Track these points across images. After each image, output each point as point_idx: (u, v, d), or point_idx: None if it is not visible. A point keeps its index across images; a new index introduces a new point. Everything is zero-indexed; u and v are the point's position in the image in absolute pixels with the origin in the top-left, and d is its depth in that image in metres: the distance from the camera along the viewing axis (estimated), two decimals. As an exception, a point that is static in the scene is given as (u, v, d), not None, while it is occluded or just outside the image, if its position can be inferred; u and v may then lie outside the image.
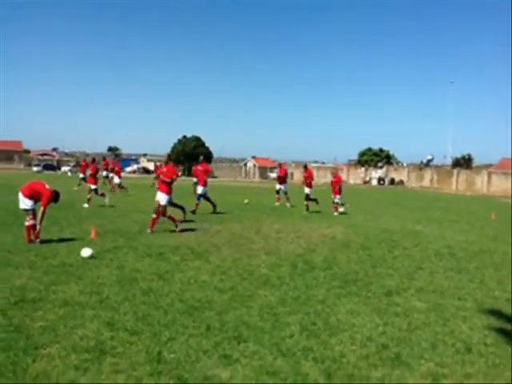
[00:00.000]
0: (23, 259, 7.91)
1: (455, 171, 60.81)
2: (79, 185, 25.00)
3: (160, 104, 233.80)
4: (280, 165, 23.66)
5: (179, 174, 12.54)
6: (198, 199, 16.46)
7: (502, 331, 5.32)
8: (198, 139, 76.64)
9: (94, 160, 19.98)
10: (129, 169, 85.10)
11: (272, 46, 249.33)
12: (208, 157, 77.53)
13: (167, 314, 5.45)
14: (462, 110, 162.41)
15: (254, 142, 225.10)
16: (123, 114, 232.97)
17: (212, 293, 6.38)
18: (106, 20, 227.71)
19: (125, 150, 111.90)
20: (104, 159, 31.68)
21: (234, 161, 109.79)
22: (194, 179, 18.80)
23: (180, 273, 7.47)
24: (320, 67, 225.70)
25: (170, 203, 12.33)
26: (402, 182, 65.48)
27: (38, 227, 9.42)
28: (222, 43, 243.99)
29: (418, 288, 7.10)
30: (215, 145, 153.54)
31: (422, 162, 75.41)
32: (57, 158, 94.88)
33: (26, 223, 9.44)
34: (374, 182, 66.17)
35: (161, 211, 11.60)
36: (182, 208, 13.53)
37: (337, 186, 18.01)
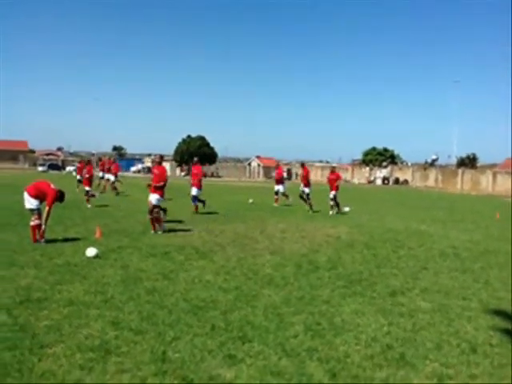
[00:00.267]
0: (29, 259, 7.95)
1: (460, 171, 60.64)
2: (78, 187, 25.00)
3: (165, 103, 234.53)
4: (278, 165, 23.59)
5: (167, 178, 12.14)
6: (194, 201, 16.41)
7: (507, 332, 5.30)
8: (202, 139, 76.62)
9: (89, 162, 19.88)
10: (133, 168, 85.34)
11: (276, 44, 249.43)
12: (212, 156, 77.66)
13: (172, 313, 5.46)
14: (466, 109, 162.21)
15: (258, 141, 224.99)
16: (128, 114, 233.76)
17: (216, 292, 6.39)
18: (110, 18, 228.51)
19: (129, 149, 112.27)
20: (100, 159, 31.51)
21: (238, 160, 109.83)
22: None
23: (184, 272, 7.48)
24: (324, 66, 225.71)
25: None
26: (406, 181, 65.33)
27: (43, 227, 9.46)
28: (227, 42, 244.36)
29: (423, 288, 7.08)
30: (220, 144, 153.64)
31: (426, 162, 75.27)
32: (62, 157, 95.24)
33: (32, 223, 9.48)
34: (379, 182, 66.06)
35: (150, 209, 11.45)
36: (163, 210, 13.25)
37: (334, 183, 17.90)
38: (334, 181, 17.98)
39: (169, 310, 5.58)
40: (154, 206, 11.47)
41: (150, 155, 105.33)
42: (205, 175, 17.07)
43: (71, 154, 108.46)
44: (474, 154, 75.41)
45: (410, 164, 76.89)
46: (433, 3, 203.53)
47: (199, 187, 16.43)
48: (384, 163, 72.81)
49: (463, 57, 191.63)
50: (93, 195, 18.19)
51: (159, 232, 11.37)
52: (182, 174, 75.39)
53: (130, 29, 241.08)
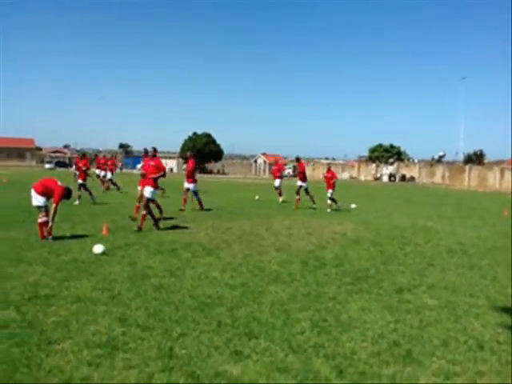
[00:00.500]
0: (36, 256, 8.00)
1: (467, 167, 60.28)
2: (75, 180, 24.83)
3: (171, 101, 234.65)
4: (277, 161, 23.58)
5: (165, 169, 12.13)
6: (196, 196, 16.23)
7: (515, 329, 5.27)
8: (208, 136, 76.66)
9: (84, 155, 19.51)
10: (139, 166, 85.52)
11: (281, 42, 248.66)
12: (218, 153, 77.68)
13: (178, 310, 5.48)
14: (473, 105, 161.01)
15: (265, 138, 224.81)
16: (134, 112, 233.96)
17: (223, 289, 6.40)
18: (117, 17, 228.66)
19: (135, 147, 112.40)
20: (96, 156, 31.05)
21: (245, 158, 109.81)
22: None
23: (191, 269, 7.50)
24: (330, 63, 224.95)
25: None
26: (413, 178, 65.05)
27: (50, 224, 9.51)
28: (234, 41, 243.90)
29: (430, 285, 7.06)
30: (226, 142, 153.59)
31: (433, 159, 74.88)
32: (68, 155, 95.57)
33: (39, 220, 9.54)
34: (385, 179, 65.84)
35: (144, 203, 11.31)
36: (158, 208, 13.03)
37: (330, 181, 17.86)
38: (330, 179, 17.92)
39: (175, 306, 5.60)
40: (148, 200, 11.30)
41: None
42: (195, 169, 16.59)
43: (78, 152, 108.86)
44: (481, 151, 74.95)
45: (416, 161, 76.46)
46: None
47: (194, 182, 16.17)
48: (390, 160, 72.51)
49: (470, 53, 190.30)
50: (87, 190, 17.52)
51: (137, 228, 11.00)
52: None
53: (135, 27, 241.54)
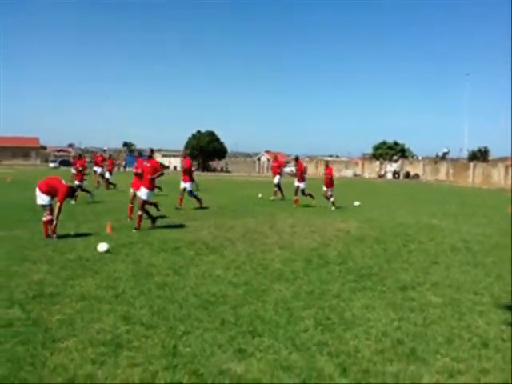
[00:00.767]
0: (41, 254, 8.04)
1: (471, 164, 60.06)
2: (72, 180, 24.66)
3: (174, 99, 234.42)
4: (276, 157, 23.29)
5: (162, 169, 12.02)
6: (194, 196, 16.07)
7: (519, 326, 5.26)
8: (212, 134, 76.70)
9: (80, 156, 19.45)
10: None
11: (283, 39, 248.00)
12: (222, 151, 77.70)
13: (182, 308, 5.49)
14: (477, 102, 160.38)
15: (268, 136, 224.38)
16: (138, 110, 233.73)
17: (226, 287, 6.41)
18: (120, 15, 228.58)
19: (139, 145, 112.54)
20: (94, 154, 30.82)
21: (248, 155, 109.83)
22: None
23: (195, 267, 7.52)
24: (333, 60, 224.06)
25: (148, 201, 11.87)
26: (417, 175, 64.88)
27: (54, 222, 9.55)
28: (234, 38, 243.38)
29: (434, 282, 7.04)
30: (229, 140, 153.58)
31: (437, 156, 74.62)
32: (73, 154, 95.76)
33: (44, 218, 9.58)
34: (389, 176, 65.68)
35: (140, 204, 11.18)
36: (155, 205, 12.95)
37: (327, 178, 17.72)
38: (329, 175, 17.77)
39: (179, 304, 5.61)
40: (144, 202, 11.20)
41: (159, 151, 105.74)
42: (190, 168, 16.47)
43: (82, 151, 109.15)
44: (485, 148, 74.53)
45: (420, 158, 76.21)
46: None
47: (191, 181, 16.07)
48: (394, 157, 72.32)
49: (474, 49, 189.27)
50: (84, 190, 17.59)
51: (135, 230, 10.80)
52: (192, 169, 75.52)
53: (138, 26, 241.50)
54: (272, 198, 20.18)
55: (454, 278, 7.35)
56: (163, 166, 15.65)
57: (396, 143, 77.15)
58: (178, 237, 10.18)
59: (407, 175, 65.34)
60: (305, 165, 21.06)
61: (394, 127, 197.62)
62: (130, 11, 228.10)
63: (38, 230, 9.95)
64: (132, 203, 12.63)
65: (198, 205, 16.07)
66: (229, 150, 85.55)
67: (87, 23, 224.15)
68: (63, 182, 9.93)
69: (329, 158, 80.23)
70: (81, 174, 17.97)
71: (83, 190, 17.50)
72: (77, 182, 17.61)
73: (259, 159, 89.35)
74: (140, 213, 11.11)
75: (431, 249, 9.80)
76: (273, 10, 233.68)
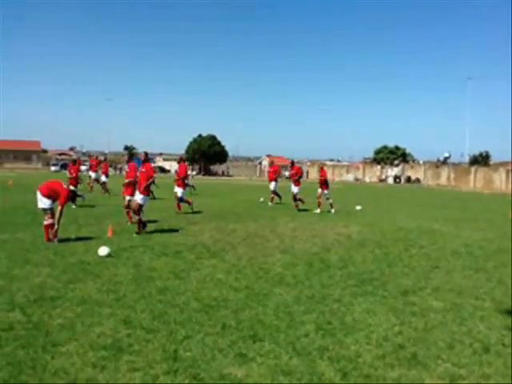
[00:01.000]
0: (42, 257, 8.04)
1: (473, 169, 60.06)
2: (67, 186, 24.16)
3: (176, 103, 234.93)
4: (272, 163, 23.03)
5: (154, 175, 11.83)
6: (181, 201, 15.79)
7: (520, 331, 5.24)
8: (213, 138, 76.82)
9: (74, 161, 19.32)
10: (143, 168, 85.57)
11: (286, 43, 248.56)
12: (223, 155, 77.77)
13: (183, 312, 5.49)
14: (479, 106, 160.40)
15: (269, 140, 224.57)
16: (139, 114, 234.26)
17: (227, 291, 6.41)
18: (120, 17, 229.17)
19: (141, 149, 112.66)
20: (89, 157, 30.45)
21: (249, 159, 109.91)
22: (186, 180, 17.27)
23: (196, 271, 7.52)
24: (335, 64, 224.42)
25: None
26: (418, 180, 64.86)
27: (56, 226, 9.55)
28: (236, 41, 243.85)
29: (435, 287, 7.03)
30: (230, 143, 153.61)
31: (438, 160, 74.62)
32: (74, 157, 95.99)
33: (45, 222, 9.59)
34: (390, 180, 65.67)
35: (136, 210, 11.14)
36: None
37: (322, 180, 17.63)
38: (323, 177, 17.69)
39: (180, 308, 5.61)
40: (141, 206, 11.14)
41: (161, 154, 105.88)
42: (186, 175, 16.44)
43: (83, 154, 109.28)
44: (486, 152, 74.53)
45: (421, 162, 76.25)
46: None
47: (183, 187, 15.93)
48: (395, 161, 72.34)
49: (476, 53, 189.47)
50: (79, 195, 17.52)
51: (137, 233, 10.86)
52: (194, 173, 75.65)
53: (140, 29, 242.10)
54: (270, 204, 19.93)
55: (455, 283, 7.34)
56: (164, 170, 15.59)
57: (397, 147, 77.15)
58: (179, 241, 10.19)
59: (408, 180, 65.33)
60: (302, 169, 20.92)
61: (395, 132, 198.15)
62: (132, 13, 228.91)
63: (39, 233, 9.96)
64: (128, 208, 12.52)
65: (189, 209, 15.81)
66: (230, 154, 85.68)
67: (88, 25, 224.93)
68: (64, 185, 9.95)
69: (330, 163, 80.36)
70: (75, 180, 17.81)
71: (78, 195, 17.47)
72: (71, 187, 17.54)
73: (260, 163, 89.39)
74: (138, 217, 11.11)
75: (432, 253, 9.78)
76: (273, 12, 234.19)
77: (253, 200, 22.23)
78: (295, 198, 18.03)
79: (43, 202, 9.63)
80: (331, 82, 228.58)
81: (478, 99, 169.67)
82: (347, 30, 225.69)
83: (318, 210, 17.28)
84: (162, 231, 11.46)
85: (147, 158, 12.09)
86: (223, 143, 78.11)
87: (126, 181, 12.74)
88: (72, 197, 10.05)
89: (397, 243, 10.91)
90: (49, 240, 9.46)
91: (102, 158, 28.45)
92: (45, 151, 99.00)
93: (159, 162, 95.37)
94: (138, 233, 10.85)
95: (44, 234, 9.58)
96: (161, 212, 15.33)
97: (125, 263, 7.88)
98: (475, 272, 8.18)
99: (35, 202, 9.90)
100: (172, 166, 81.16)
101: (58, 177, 24.96)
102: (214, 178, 64.88)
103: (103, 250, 8.27)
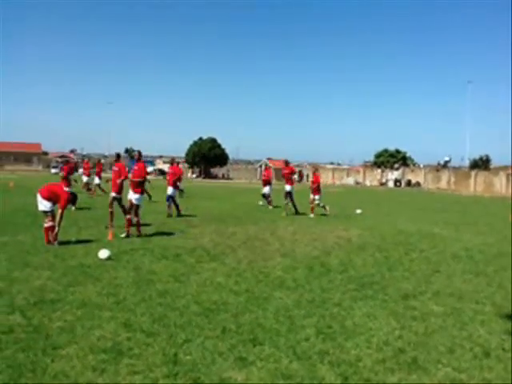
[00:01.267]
0: (42, 260, 8.04)
1: (473, 173, 60.01)
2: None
3: (176, 106, 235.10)
4: (266, 167, 22.98)
5: (148, 172, 11.79)
6: (168, 200, 15.71)
7: (521, 336, 5.24)
8: (213, 141, 76.81)
9: (67, 162, 19.14)
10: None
11: (286, 46, 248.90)
12: (223, 158, 77.77)
13: (183, 315, 5.48)
14: (479, 110, 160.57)
15: (270, 143, 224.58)
16: (140, 116, 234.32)
17: (227, 295, 6.40)
18: (121, 19, 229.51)
19: (142, 151, 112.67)
20: (82, 160, 30.19)
21: (249, 162, 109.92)
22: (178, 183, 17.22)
23: (196, 275, 7.51)
24: (336, 67, 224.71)
25: (120, 203, 11.83)
26: (418, 183, 64.82)
27: (56, 229, 9.55)
28: (236, 44, 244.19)
29: (435, 291, 7.03)
30: (231, 146, 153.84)
31: (439, 164, 74.58)
32: (74, 159, 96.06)
33: (45, 225, 9.59)
34: (391, 184, 65.64)
35: (134, 211, 11.11)
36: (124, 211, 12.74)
37: (314, 185, 17.61)
38: (314, 183, 17.65)
39: (180, 312, 5.61)
40: (137, 207, 11.11)
41: (161, 157, 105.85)
42: (180, 178, 16.49)
43: (84, 156, 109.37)
44: (487, 156, 74.58)
45: (422, 166, 76.21)
46: (446, 2, 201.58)
47: (175, 187, 15.95)
48: (396, 165, 72.32)
49: (476, 57, 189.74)
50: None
51: (139, 235, 10.86)
52: (194, 175, 75.70)
53: (139, 31, 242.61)
54: (270, 207, 19.90)
55: (455, 287, 7.33)
56: (164, 173, 15.59)
57: (398, 151, 77.14)
58: (179, 244, 10.18)
59: (409, 183, 65.29)
60: (302, 172, 20.96)
61: (396, 135, 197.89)
62: (132, 15, 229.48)
63: (39, 235, 9.96)
64: (112, 208, 12.15)
65: (168, 211, 15.51)
66: (230, 157, 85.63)
67: (90, 28, 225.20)
68: (65, 188, 9.97)
69: (330, 166, 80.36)
70: (67, 181, 17.62)
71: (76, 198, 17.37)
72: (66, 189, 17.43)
73: (260, 166, 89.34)
74: (136, 219, 11.08)
75: (433, 257, 9.78)
76: (273, 14, 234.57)
77: (252, 203, 22.22)
78: (290, 197, 17.82)
79: (44, 205, 9.64)
80: (331, 85, 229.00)
81: (478, 103, 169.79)
82: (348, 33, 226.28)
83: (312, 215, 17.24)
84: (161, 234, 11.46)
85: (140, 157, 11.98)
86: (223, 146, 78.11)
87: (118, 180, 12.42)
88: (73, 199, 10.05)
89: (397, 247, 10.90)
90: (49, 242, 9.46)
91: (98, 159, 28.12)
92: (45, 153, 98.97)
93: (159, 165, 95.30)
94: (138, 235, 10.85)
95: (44, 236, 9.58)
96: (161, 214, 15.32)
97: (125, 266, 7.87)
98: (475, 276, 8.17)
99: (36, 205, 9.91)
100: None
101: (58, 179, 24.95)
102: (214, 180, 64.88)
103: (103, 253, 8.27)
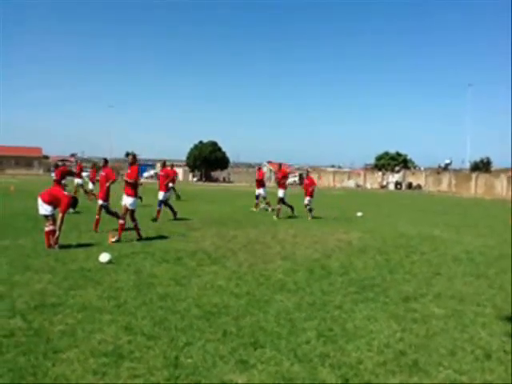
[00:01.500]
0: (43, 264, 8.04)
1: (474, 175, 59.98)
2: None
3: (177, 109, 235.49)
4: (259, 168, 22.82)
5: (138, 179, 11.61)
6: (159, 205, 15.57)
7: (522, 338, 5.23)
8: (214, 144, 76.88)
9: (57, 165, 18.94)
10: (146, 174, 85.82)
11: (287, 48, 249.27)
12: (224, 162, 77.84)
13: (184, 318, 5.48)
14: (480, 113, 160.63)
15: (270, 147, 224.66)
16: (141, 120, 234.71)
17: (228, 298, 6.40)
18: (122, 22, 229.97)
19: (142, 155, 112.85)
20: (76, 163, 29.85)
21: (250, 166, 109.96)
22: (170, 184, 17.15)
23: (197, 278, 7.51)
24: (336, 70, 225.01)
25: (108, 211, 11.87)
26: (419, 186, 64.81)
27: (57, 233, 9.55)
28: (237, 47, 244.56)
29: (436, 294, 7.02)
30: (232, 150, 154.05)
31: (439, 166, 74.61)
32: (74, 163, 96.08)
33: (46, 229, 9.59)
34: (391, 187, 65.62)
35: (130, 216, 11.01)
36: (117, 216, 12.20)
37: (308, 188, 17.62)
38: (308, 186, 17.68)
39: (181, 315, 5.61)
40: (132, 211, 10.99)
41: (161, 161, 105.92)
42: (173, 179, 16.46)
43: (84, 160, 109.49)
44: (488, 158, 74.45)
45: (422, 168, 76.23)
46: (447, 5, 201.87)
47: (165, 191, 15.82)
48: (397, 168, 72.31)
49: (476, 60, 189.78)
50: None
51: (139, 238, 10.84)
52: (195, 179, 75.73)
53: (141, 35, 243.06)
54: (269, 209, 19.81)
55: (456, 290, 7.33)
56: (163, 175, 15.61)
57: (398, 154, 77.16)
58: (180, 247, 10.19)
59: (409, 186, 65.27)
60: (303, 176, 20.98)
61: (397, 138, 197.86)
62: (133, 18, 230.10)
63: (40, 239, 9.96)
64: (99, 215, 12.23)
65: (156, 215, 15.29)
66: (231, 161, 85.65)
67: (90, 31, 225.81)
68: (65, 192, 9.98)
69: (331, 169, 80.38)
70: (60, 185, 17.45)
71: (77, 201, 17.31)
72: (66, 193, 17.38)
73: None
74: (134, 223, 11.08)
75: (434, 260, 9.77)
76: (273, 14, 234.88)
77: (253, 206, 22.18)
78: (283, 201, 17.63)
79: (44, 209, 9.65)
80: (332, 87, 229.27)
81: (478, 105, 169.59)
82: (348, 36, 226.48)
83: (309, 218, 17.26)
84: (162, 237, 11.46)
85: (134, 161, 11.75)
86: (224, 149, 78.18)
87: (106, 184, 12.29)
88: (74, 203, 10.05)
89: (398, 249, 10.90)
90: (50, 246, 9.47)
91: (93, 163, 27.43)
92: (46, 157, 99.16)
93: (159, 168, 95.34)
94: (138, 239, 10.86)
95: (45, 240, 9.59)
96: (161, 218, 15.32)
97: (125, 270, 7.88)
98: (476, 278, 8.17)
99: (36, 208, 9.92)
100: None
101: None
102: (215, 184, 64.89)
103: (104, 257, 8.28)
